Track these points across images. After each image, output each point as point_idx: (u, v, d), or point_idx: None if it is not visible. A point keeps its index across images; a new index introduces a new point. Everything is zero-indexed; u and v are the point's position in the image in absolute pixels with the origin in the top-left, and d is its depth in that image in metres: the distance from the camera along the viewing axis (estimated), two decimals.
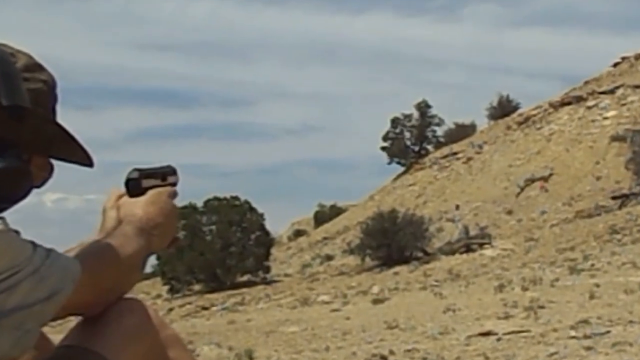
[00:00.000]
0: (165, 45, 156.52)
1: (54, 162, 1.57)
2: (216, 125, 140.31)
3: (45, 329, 1.54)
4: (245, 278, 34.89)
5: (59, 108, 1.58)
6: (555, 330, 9.02)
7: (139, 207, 1.66)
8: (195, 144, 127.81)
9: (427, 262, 28.66)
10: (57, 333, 1.84)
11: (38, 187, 1.55)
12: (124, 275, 1.60)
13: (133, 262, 1.60)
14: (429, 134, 63.91)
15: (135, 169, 1.69)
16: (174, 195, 1.71)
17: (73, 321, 1.64)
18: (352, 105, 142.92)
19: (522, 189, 42.95)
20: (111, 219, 1.68)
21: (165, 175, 1.71)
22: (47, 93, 1.55)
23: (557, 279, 16.07)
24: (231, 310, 23.04)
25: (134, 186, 1.67)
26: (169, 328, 1.70)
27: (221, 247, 35.16)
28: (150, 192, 1.68)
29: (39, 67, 1.55)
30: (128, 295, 1.63)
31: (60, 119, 1.56)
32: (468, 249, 29.20)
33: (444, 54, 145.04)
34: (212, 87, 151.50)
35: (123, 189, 1.69)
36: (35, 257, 1.41)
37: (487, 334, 9.25)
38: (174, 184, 1.72)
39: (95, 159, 1.53)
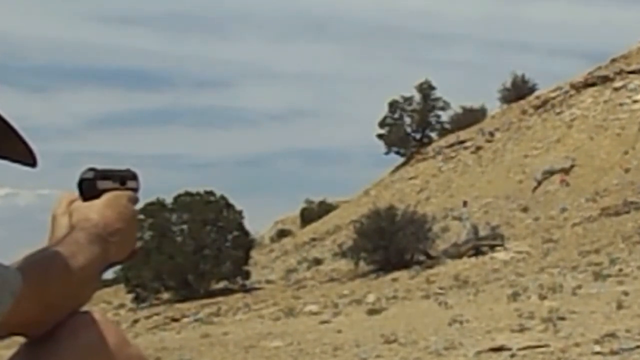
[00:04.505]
0: (132, 17, 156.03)
1: None
2: (189, 110, 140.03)
3: None
4: (221, 285, 34.92)
5: (3, 89, 1.54)
6: (577, 345, 9.05)
7: (94, 210, 1.64)
8: (165, 132, 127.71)
9: (431, 267, 28.74)
10: (6, 348, 1.82)
11: None
12: (75, 289, 1.57)
13: (86, 273, 1.58)
14: (433, 120, 64.01)
15: (90, 169, 1.67)
16: (134, 200, 1.70)
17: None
18: (344, 87, 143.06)
19: (540, 183, 43.07)
20: (62, 227, 1.65)
21: (124, 179, 1.70)
22: None
23: (579, 286, 16.13)
24: (205, 322, 23.08)
25: (88, 187, 1.66)
26: (132, 346, 1.68)
27: (194, 249, 35.14)
28: (108, 195, 1.66)
29: None
30: (84, 308, 1.62)
31: (5, 103, 1.53)
32: (477, 252, 29.27)
33: (450, 28, 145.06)
34: (185, 66, 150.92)
35: (76, 192, 1.68)
36: None
37: (499, 349, 9.28)
38: (134, 190, 1.71)
39: (49, 148, 1.51)
